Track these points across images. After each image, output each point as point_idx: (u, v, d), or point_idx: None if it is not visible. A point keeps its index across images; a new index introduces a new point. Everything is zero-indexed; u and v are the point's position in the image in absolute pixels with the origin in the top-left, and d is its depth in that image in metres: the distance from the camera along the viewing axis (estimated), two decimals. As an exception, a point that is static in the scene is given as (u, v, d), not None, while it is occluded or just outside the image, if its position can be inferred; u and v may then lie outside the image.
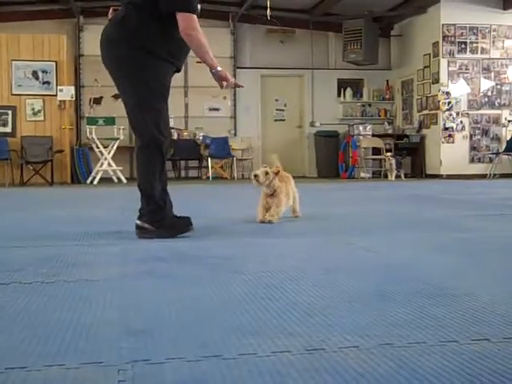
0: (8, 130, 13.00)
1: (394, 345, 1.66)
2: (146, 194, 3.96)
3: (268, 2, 12.36)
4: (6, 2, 14.24)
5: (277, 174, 4.80)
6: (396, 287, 2.38)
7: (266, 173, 4.77)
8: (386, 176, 13.83)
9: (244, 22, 15.33)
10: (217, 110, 15.31)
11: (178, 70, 4.25)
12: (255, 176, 4.77)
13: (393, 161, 13.51)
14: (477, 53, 13.92)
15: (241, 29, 15.48)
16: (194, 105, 15.16)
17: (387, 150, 14.06)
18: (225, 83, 4.06)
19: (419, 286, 2.41)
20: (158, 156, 3.93)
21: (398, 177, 13.53)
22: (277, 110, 15.91)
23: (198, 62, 16.06)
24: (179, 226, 3.98)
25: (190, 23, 3.80)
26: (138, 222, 3.97)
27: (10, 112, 13.02)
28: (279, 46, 15.57)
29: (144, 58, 3.88)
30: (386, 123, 15.63)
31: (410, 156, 14.95)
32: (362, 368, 1.48)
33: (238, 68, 15.35)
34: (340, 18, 15.02)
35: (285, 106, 15.93)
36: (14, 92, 13.01)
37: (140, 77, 3.90)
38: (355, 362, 1.53)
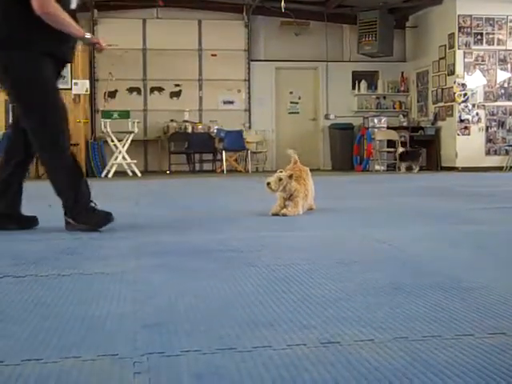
0: (23, 123, 13.06)
1: (409, 338, 1.66)
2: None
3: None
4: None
5: (290, 177, 4.77)
6: (411, 280, 2.37)
7: (280, 179, 4.75)
8: (400, 169, 13.78)
9: (258, 14, 15.28)
10: (231, 102, 15.30)
11: (66, 60, 4.05)
12: (268, 184, 4.76)
13: (399, 154, 13.63)
14: (493, 44, 13.79)
15: (255, 21, 15.44)
16: (208, 98, 15.16)
17: (402, 143, 14.00)
18: (98, 46, 3.99)
19: (434, 279, 2.40)
20: (55, 156, 3.91)
21: (410, 169, 13.53)
22: (291, 102, 15.87)
23: (212, 55, 15.96)
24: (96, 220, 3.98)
25: (42, 0, 3.60)
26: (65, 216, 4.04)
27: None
28: (293, 38, 15.51)
29: (13, 55, 3.73)
30: (400, 115, 15.55)
31: (426, 148, 14.86)
32: (376, 361, 1.48)
33: (252, 61, 15.33)
34: (355, 9, 14.93)
35: (299, 98, 15.89)
36: (29, 86, 13.05)
37: (12, 75, 3.78)
38: (370, 355, 1.53)
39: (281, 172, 4.86)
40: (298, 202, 4.80)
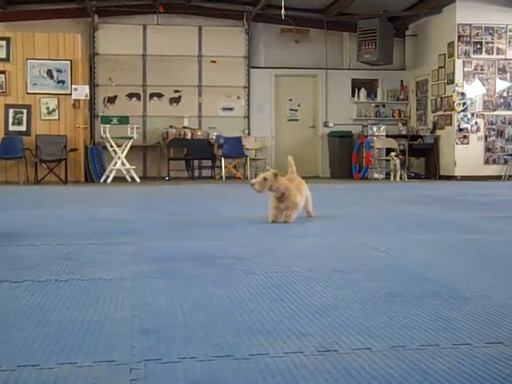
0: (23, 128, 13.08)
1: (407, 347, 1.65)
2: None
3: (283, 2, 12.34)
4: (22, 1, 14.33)
5: (276, 176, 4.66)
6: (408, 289, 2.37)
7: (265, 179, 4.64)
8: (395, 177, 13.76)
9: (258, 21, 15.32)
10: (230, 109, 15.32)
11: None
12: (252, 185, 4.66)
13: (397, 161, 13.53)
14: (492, 53, 13.82)
15: (255, 28, 15.47)
16: (207, 104, 15.18)
17: (401, 151, 14.02)
18: None
19: (432, 287, 2.40)
20: None
21: (400, 178, 13.61)
22: (290, 109, 15.90)
23: (212, 62, 16.00)
24: None
25: None
26: None
27: (24, 111, 13.10)
28: (293, 45, 15.55)
29: None
30: (399, 124, 15.57)
31: (424, 157, 14.90)
32: (374, 370, 1.48)
33: (252, 68, 15.35)
34: (354, 17, 14.98)
35: (298, 105, 15.91)
36: (29, 91, 13.08)
37: None
38: (367, 363, 1.52)
39: (267, 171, 4.79)
40: (291, 202, 4.71)
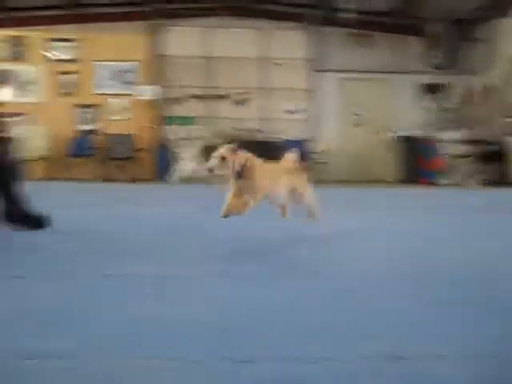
0: (92, 127, 13.42)
1: (478, 357, 1.61)
2: None
3: (348, 6, 12.26)
4: (91, 4, 14.66)
5: (233, 150, 3.50)
6: (485, 297, 2.31)
7: (223, 158, 3.45)
8: (465, 183, 13.47)
9: (323, 24, 15.26)
10: (294, 112, 15.30)
11: None
12: (210, 170, 3.43)
13: (467, 167, 13.25)
14: None
15: (320, 31, 15.41)
16: (272, 107, 15.20)
17: (471, 157, 13.71)
18: None
19: (504, 296, 2.34)
20: None
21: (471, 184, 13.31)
22: (356, 114, 15.75)
23: (276, 64, 15.88)
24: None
25: None
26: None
27: (93, 110, 13.44)
28: (358, 49, 15.42)
29: None
30: (469, 129, 15.24)
31: (496, 163, 14.48)
32: (445, 378, 1.45)
33: (317, 71, 15.30)
34: (421, 21, 14.75)
35: (364, 110, 15.75)
36: (96, 91, 13.40)
37: None
38: (438, 371, 1.49)
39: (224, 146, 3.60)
40: (254, 192, 3.61)
